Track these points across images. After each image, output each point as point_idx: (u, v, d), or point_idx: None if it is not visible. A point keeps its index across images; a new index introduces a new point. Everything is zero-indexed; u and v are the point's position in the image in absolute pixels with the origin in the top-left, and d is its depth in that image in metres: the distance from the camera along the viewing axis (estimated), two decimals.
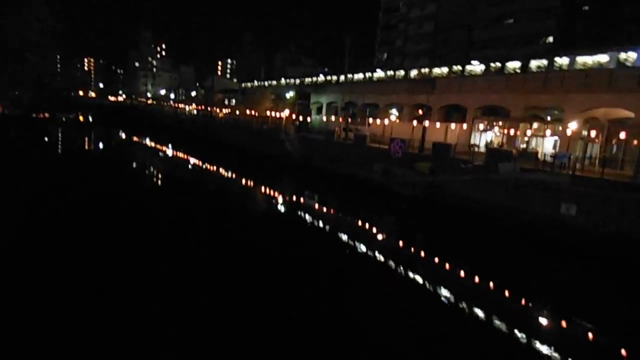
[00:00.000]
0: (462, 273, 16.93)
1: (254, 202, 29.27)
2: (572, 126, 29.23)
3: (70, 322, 10.29)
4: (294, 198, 31.17)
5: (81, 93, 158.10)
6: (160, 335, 10.11)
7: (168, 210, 22.40)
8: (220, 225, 20.63)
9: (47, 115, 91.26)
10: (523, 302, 14.75)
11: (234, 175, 38.95)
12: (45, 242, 15.63)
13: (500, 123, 38.72)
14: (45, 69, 46.63)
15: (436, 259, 18.54)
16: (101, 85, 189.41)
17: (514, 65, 46.65)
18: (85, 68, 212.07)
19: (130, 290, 12.22)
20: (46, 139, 55.03)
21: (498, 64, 47.73)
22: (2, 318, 10.16)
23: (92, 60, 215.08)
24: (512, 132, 35.91)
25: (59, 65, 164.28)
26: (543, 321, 13.41)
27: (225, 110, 79.46)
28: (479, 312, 13.29)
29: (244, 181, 36.69)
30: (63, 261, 13.89)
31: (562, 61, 40.11)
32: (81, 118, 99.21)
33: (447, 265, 17.84)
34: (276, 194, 32.03)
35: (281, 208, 27.60)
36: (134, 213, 20.99)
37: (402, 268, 16.97)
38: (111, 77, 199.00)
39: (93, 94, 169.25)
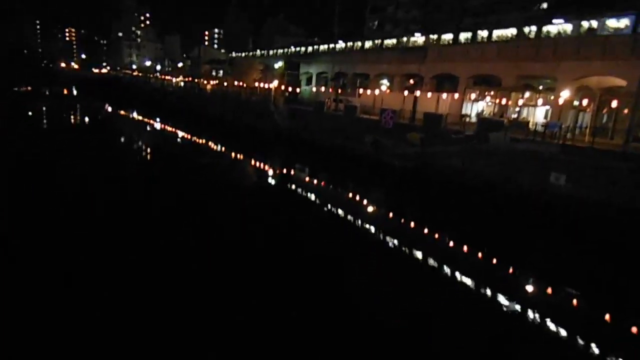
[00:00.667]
0: (451, 243, 17.02)
1: (242, 176, 28.96)
2: (564, 95, 28.98)
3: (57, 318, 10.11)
4: (284, 171, 30.89)
5: (63, 65, 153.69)
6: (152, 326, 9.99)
7: (156, 187, 22.04)
8: (209, 201, 20.37)
9: (29, 88, 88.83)
10: (511, 269, 14.89)
11: (222, 149, 38.41)
12: (30, 222, 15.29)
13: (492, 92, 38.34)
14: (23, 40, 44.78)
15: (426, 230, 18.58)
16: (84, 56, 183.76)
17: (506, 32, 45.85)
18: (67, 39, 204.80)
19: (114, 275, 12.02)
20: (30, 113, 53.56)
21: (485, 32, 46.87)
22: None
23: (73, 30, 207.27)
24: (503, 101, 35.59)
25: (39, 37, 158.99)
26: (529, 288, 13.56)
27: (212, 82, 77.79)
28: (468, 281, 13.38)
29: (232, 155, 36.23)
30: (49, 246, 13.61)
31: (555, 27, 39.40)
32: (65, 91, 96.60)
33: (437, 236, 17.90)
34: (265, 167, 31.71)
35: (271, 181, 27.37)
36: (122, 191, 20.61)
37: (393, 240, 16.98)
38: (94, 48, 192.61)
39: (76, 66, 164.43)
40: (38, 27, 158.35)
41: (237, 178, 27.52)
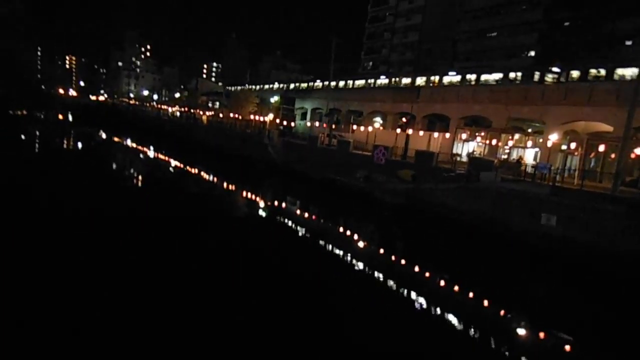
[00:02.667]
0: (441, 282, 16.81)
1: (234, 206, 28.74)
2: (553, 138, 29.68)
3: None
4: (276, 203, 30.77)
5: (61, 91, 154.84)
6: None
7: (148, 215, 21.76)
8: (201, 231, 20.09)
9: (24, 112, 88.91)
10: (502, 311, 14.66)
11: (215, 179, 38.30)
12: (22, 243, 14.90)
13: (483, 133, 39.14)
14: (22, 65, 45.42)
15: (417, 268, 18.38)
16: (82, 83, 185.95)
17: (494, 77, 47.46)
18: (67, 66, 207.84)
19: (112, 305, 11.67)
20: (22, 137, 53.37)
21: (474, 76, 48.52)
22: None
23: (73, 58, 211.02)
24: (494, 142, 36.30)
25: (39, 62, 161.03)
26: (521, 331, 13.32)
27: (208, 113, 78.67)
28: (455, 320, 13.12)
29: (225, 185, 36.10)
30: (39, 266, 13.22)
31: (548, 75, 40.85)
32: (60, 116, 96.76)
33: (427, 274, 17.69)
34: (258, 198, 31.57)
35: (262, 213, 27.18)
36: (114, 220, 20.29)
37: (382, 276, 16.74)
38: (93, 76, 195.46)
39: (74, 93, 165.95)
40: (39, 52, 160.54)
41: (227, 208, 27.26)
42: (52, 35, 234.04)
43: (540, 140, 33.61)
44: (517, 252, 19.79)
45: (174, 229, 19.24)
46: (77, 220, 18.36)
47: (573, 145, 28.86)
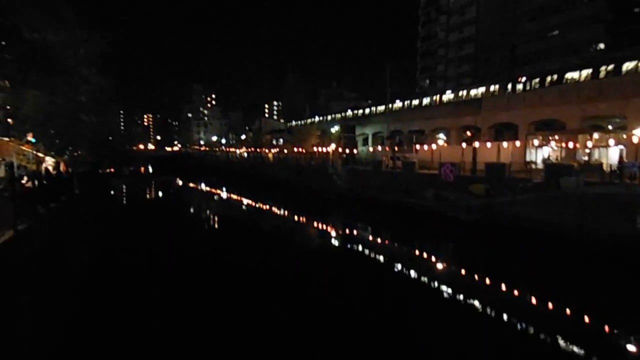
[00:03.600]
0: (533, 300, 15.76)
1: (308, 236, 29.36)
2: (638, 133, 27.28)
3: None
4: (347, 230, 30.95)
5: (141, 147, 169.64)
6: None
7: (225, 252, 22.96)
8: (278, 261, 20.77)
9: (112, 170, 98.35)
10: (619, 336, 13.38)
11: (285, 212, 39.47)
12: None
13: (557, 137, 36.91)
14: (104, 127, 50.83)
15: (506, 288, 17.43)
16: (158, 137, 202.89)
17: (569, 75, 44.70)
18: (145, 123, 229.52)
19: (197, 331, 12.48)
20: (112, 192, 58.94)
21: (553, 77, 45.95)
22: None
23: (150, 116, 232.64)
24: (570, 145, 34.03)
25: (122, 122, 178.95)
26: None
27: (273, 150, 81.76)
28: (566, 345, 12.25)
29: (295, 217, 37.04)
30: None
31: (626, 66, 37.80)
32: (142, 169, 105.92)
33: (520, 295, 16.66)
34: (329, 227, 31.95)
35: (336, 242, 27.46)
36: (199, 254, 21.71)
37: (471, 299, 15.89)
38: (167, 129, 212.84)
39: (152, 146, 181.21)
40: (122, 115, 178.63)
41: (301, 240, 27.89)
42: (132, 97, 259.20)
43: (624, 136, 31.00)
44: (614, 262, 18.10)
45: (257, 262, 20.07)
46: (171, 255, 19.88)
47: None
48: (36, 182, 15.79)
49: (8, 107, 20.98)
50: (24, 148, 23.76)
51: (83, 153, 43.10)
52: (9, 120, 21.87)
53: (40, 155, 25.81)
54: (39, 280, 12.49)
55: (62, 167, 26.87)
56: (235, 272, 18.51)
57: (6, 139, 22.62)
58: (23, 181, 15.63)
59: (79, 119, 29.31)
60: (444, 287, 17.36)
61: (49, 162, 26.63)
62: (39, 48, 19.22)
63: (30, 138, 25.61)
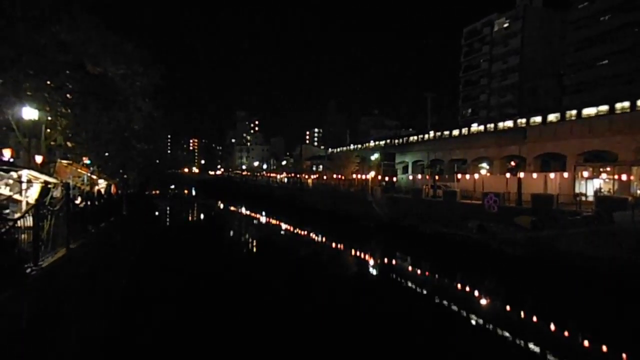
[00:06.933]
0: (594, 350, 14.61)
1: (344, 265, 29.09)
2: None
3: None
4: (386, 260, 30.42)
5: (186, 170, 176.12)
6: None
7: (261, 273, 23.16)
8: (315, 291, 20.69)
9: (157, 192, 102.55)
10: None
11: (323, 239, 39.39)
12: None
13: (608, 168, 35.11)
14: (154, 153, 53.58)
15: (557, 330, 16.35)
16: (203, 161, 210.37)
17: (619, 105, 42.84)
18: (190, 148, 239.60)
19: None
20: (157, 213, 61.17)
21: (592, 109, 44.26)
22: None
23: (196, 140, 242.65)
24: (624, 177, 32.23)
25: (169, 147, 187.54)
26: None
27: (313, 176, 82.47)
28: None
29: (334, 244, 36.86)
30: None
31: None
32: (186, 191, 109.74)
33: (575, 343, 15.51)
34: (367, 256, 31.53)
35: (375, 272, 27.01)
36: (235, 279, 22.04)
37: (524, 342, 14.94)
38: (211, 153, 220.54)
39: (196, 170, 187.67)
40: (169, 139, 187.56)
41: (337, 269, 27.61)
42: (179, 122, 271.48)
43: None
44: None
45: (293, 289, 20.09)
46: (211, 277, 20.29)
47: None
48: (89, 203, 16.67)
49: (68, 132, 22.47)
50: (80, 170, 25.32)
51: (132, 175, 45.40)
52: (69, 143, 23.39)
53: (94, 177, 27.38)
54: (87, 294, 13.07)
55: (112, 189, 28.31)
56: (272, 298, 18.58)
57: (65, 162, 24.22)
58: (77, 202, 16.54)
59: (131, 145, 31.06)
60: (490, 327, 16.52)
61: (102, 184, 28.15)
62: (101, 80, 20.72)
63: (86, 161, 27.30)
